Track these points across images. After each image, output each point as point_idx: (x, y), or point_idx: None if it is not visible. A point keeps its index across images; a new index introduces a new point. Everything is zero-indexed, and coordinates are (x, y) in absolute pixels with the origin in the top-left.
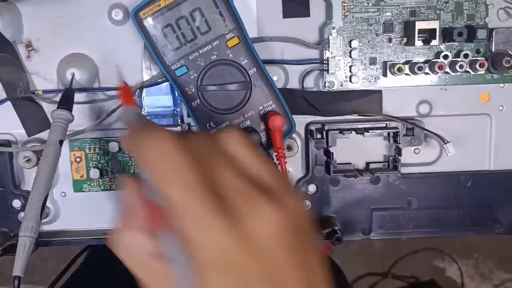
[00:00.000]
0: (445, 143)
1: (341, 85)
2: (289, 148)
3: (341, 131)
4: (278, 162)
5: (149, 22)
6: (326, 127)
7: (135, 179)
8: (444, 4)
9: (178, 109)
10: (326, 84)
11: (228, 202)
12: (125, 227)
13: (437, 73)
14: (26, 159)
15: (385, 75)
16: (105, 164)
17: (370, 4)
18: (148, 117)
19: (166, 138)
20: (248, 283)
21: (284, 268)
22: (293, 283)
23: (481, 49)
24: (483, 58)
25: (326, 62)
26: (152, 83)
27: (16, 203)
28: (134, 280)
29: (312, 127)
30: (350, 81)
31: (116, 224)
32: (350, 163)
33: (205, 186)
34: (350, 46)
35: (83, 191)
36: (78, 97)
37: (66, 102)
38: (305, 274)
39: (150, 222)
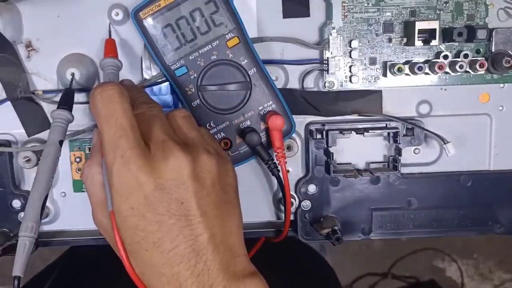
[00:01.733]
0: (445, 143)
1: (341, 85)
2: (289, 148)
3: (341, 131)
4: (278, 162)
5: (149, 22)
6: (326, 127)
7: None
8: (444, 4)
9: None
10: (326, 84)
11: (151, 150)
12: (88, 162)
13: (437, 73)
14: (26, 159)
15: (385, 75)
16: None
17: (370, 4)
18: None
19: (116, 91)
20: (155, 214)
21: (191, 209)
22: (199, 225)
23: (481, 49)
24: (483, 58)
25: (326, 62)
26: (152, 83)
27: (16, 203)
28: (114, 280)
29: (312, 127)
30: (350, 81)
31: (86, 163)
32: (350, 163)
33: (136, 133)
34: (350, 46)
35: (83, 191)
36: (78, 97)
37: (66, 102)
38: (210, 219)
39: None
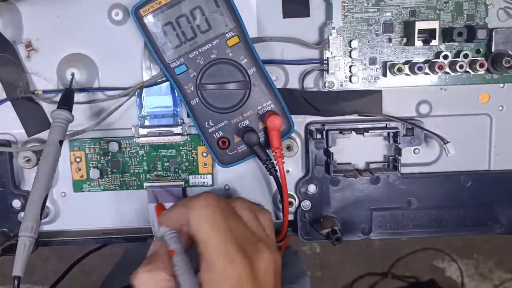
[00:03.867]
0: (445, 143)
1: (341, 85)
2: (289, 148)
3: (341, 131)
4: (276, 162)
5: (149, 19)
6: (326, 127)
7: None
8: (444, 4)
9: (178, 109)
10: (326, 84)
11: (244, 246)
12: (149, 268)
13: (437, 73)
14: (26, 159)
15: (385, 75)
16: (105, 164)
17: (370, 4)
18: (148, 117)
19: (212, 198)
20: None
21: None
22: None
23: (481, 49)
24: (483, 58)
25: (326, 62)
26: (152, 83)
27: (16, 203)
28: None
29: (312, 127)
30: (350, 81)
31: (144, 268)
32: (350, 163)
33: (230, 234)
34: (350, 46)
35: (83, 191)
36: (78, 97)
37: (66, 102)
38: None
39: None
